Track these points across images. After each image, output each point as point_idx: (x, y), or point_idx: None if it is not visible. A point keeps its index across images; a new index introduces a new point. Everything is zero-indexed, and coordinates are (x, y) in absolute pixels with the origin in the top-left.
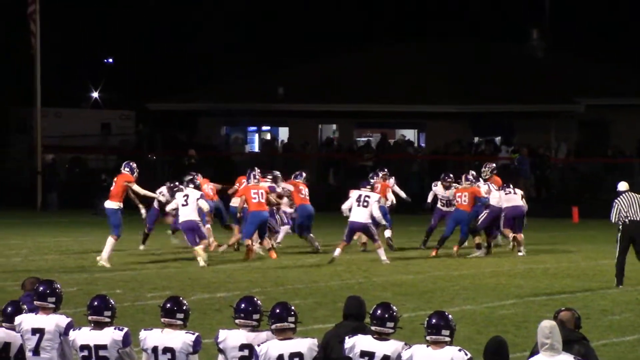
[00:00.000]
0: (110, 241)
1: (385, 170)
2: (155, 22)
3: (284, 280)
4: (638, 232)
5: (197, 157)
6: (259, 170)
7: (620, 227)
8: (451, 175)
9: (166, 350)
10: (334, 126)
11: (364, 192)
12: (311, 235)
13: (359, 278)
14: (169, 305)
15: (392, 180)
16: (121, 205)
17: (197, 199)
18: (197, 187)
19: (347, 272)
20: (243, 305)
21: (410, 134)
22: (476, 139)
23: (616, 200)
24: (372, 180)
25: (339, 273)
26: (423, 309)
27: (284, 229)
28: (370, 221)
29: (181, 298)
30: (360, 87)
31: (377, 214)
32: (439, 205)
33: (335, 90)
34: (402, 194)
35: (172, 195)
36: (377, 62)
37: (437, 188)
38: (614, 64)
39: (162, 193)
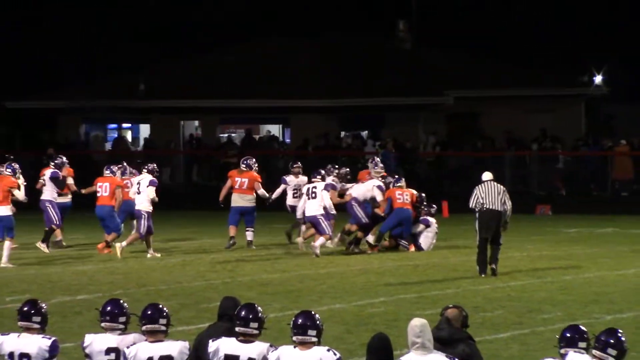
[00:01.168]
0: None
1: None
2: (10, 17)
3: (146, 281)
4: (492, 220)
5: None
6: (126, 166)
7: (477, 214)
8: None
9: (22, 355)
10: (197, 122)
11: (313, 183)
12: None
13: (224, 278)
14: (25, 308)
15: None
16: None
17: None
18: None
19: (212, 272)
20: (109, 308)
21: (275, 130)
22: (343, 134)
23: (476, 187)
24: (322, 171)
25: (203, 273)
26: (290, 308)
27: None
28: (320, 212)
29: (39, 301)
30: (224, 83)
31: (328, 203)
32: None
33: (198, 86)
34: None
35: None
36: (242, 58)
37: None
38: (482, 57)
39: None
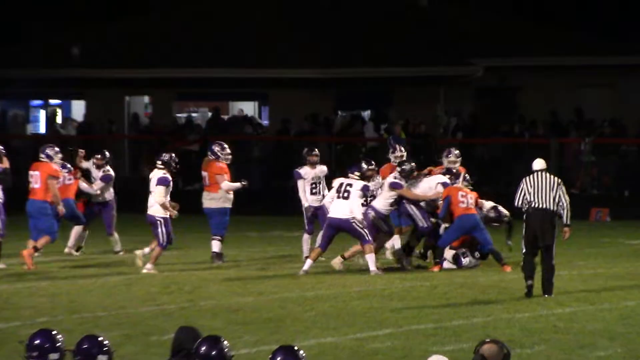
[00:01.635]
0: None
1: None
2: None
3: (79, 306)
4: (544, 224)
5: None
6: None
7: (525, 215)
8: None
9: None
10: (146, 98)
11: (347, 179)
12: None
13: (180, 302)
14: None
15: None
16: None
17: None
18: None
19: (165, 294)
20: (37, 341)
21: (249, 108)
22: (339, 114)
23: (524, 180)
24: (364, 166)
25: (154, 296)
26: (267, 342)
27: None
28: (351, 216)
29: None
30: (183, 49)
31: (358, 210)
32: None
33: (148, 52)
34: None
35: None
36: (206, 15)
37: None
38: (521, 17)
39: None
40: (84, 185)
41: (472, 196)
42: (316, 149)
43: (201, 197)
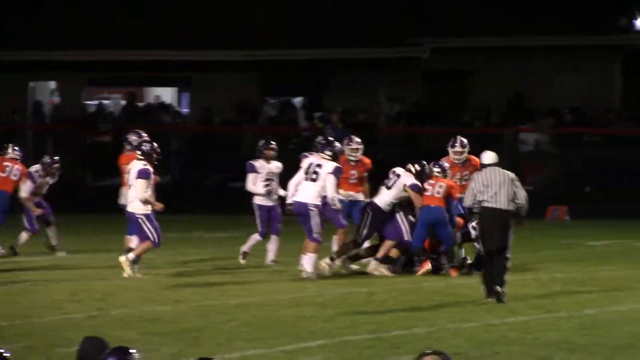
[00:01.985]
0: None
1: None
2: None
3: None
4: (496, 223)
5: None
6: None
7: (477, 217)
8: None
9: None
10: (53, 84)
11: (317, 159)
12: None
13: (89, 310)
14: None
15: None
16: None
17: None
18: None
19: (73, 302)
20: None
21: (167, 95)
22: (270, 101)
23: (473, 176)
24: (336, 145)
25: (61, 304)
26: (186, 355)
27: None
28: (317, 202)
29: None
30: (92, 27)
31: (331, 194)
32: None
33: (53, 32)
34: None
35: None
36: None
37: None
38: None
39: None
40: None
41: (442, 184)
42: (274, 143)
43: (116, 194)
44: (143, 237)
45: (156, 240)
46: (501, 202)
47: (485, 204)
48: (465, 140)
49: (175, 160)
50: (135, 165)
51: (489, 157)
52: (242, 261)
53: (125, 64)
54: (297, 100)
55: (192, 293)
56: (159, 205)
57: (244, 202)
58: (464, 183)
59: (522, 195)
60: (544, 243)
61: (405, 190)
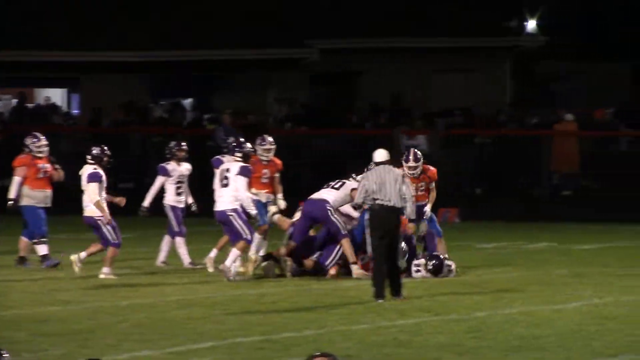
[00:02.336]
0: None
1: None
2: None
3: None
4: (387, 219)
5: None
6: None
7: (369, 214)
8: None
9: None
10: None
11: (227, 164)
12: None
13: None
14: None
15: None
16: None
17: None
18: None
19: None
20: None
21: (57, 95)
22: (157, 103)
23: (364, 175)
24: (246, 146)
25: None
26: (75, 356)
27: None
28: (235, 206)
29: None
30: None
31: (243, 196)
32: None
33: None
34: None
35: None
36: None
37: None
38: None
39: None
40: None
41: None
42: (184, 144)
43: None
44: (104, 240)
45: (116, 241)
46: (393, 200)
47: (378, 202)
48: (419, 154)
49: (64, 162)
50: (85, 170)
51: (380, 155)
52: (189, 266)
53: (14, 64)
54: (187, 102)
55: (81, 294)
56: (121, 199)
57: (133, 204)
58: (419, 194)
59: (408, 193)
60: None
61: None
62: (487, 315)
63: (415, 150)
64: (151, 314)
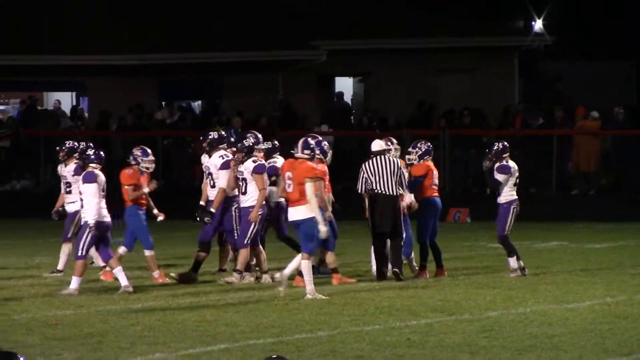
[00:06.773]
0: None
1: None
2: None
3: None
4: (388, 209)
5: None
6: None
7: (368, 201)
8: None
9: None
10: None
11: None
12: None
13: None
14: None
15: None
16: None
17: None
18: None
19: None
20: None
21: (66, 99)
22: (168, 105)
23: (363, 165)
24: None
25: None
26: (87, 359)
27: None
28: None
29: None
30: None
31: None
32: None
33: None
34: None
35: None
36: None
37: None
38: None
39: None
40: None
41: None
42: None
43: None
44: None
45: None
46: (391, 189)
47: (377, 191)
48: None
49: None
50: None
51: (377, 145)
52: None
53: (21, 68)
54: (197, 104)
55: (93, 298)
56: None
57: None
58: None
59: (405, 182)
60: (445, 246)
61: None
62: (499, 315)
63: (418, 143)
64: (163, 316)
